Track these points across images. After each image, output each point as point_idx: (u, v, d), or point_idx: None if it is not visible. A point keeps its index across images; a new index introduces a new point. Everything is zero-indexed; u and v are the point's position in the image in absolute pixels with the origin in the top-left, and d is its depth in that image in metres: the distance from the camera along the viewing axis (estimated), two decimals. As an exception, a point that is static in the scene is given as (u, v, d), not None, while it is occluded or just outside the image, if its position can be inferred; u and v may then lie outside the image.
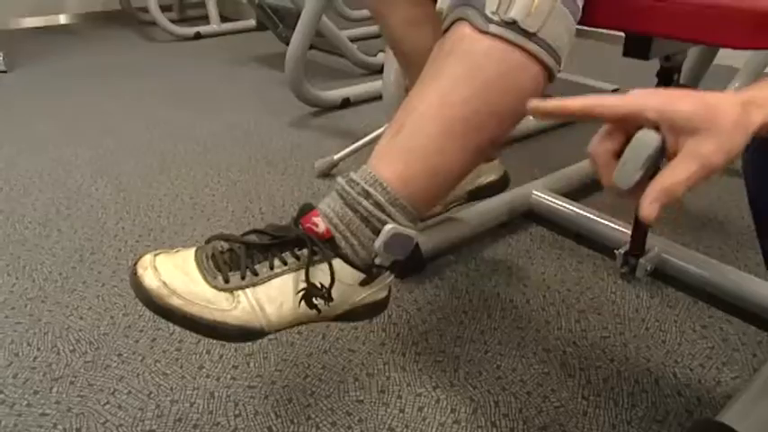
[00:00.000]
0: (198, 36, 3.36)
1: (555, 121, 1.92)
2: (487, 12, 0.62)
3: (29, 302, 1.14)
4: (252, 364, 0.99)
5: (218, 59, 2.95)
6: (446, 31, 0.67)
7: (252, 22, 3.46)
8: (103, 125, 2.07)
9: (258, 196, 1.56)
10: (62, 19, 3.78)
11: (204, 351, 1.01)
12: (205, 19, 3.52)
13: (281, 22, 2.71)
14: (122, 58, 2.99)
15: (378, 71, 2.37)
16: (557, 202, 1.39)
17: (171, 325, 1.04)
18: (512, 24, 0.61)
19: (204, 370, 0.97)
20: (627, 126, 0.48)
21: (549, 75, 0.65)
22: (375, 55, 2.61)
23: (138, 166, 1.74)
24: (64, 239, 1.36)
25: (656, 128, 0.46)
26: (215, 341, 0.98)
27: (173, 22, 3.40)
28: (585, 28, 0.71)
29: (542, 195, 1.41)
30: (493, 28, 0.61)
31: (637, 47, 0.77)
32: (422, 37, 0.90)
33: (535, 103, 0.50)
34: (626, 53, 0.78)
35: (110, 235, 1.38)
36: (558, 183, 1.48)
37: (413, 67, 0.96)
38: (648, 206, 0.44)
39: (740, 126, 0.44)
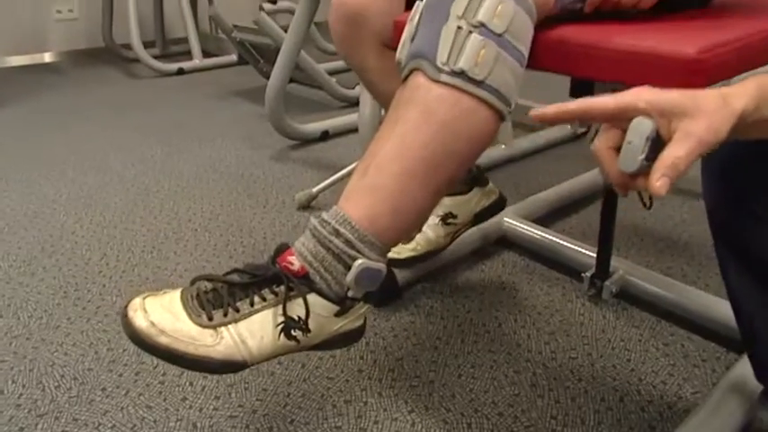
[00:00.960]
0: (181, 72, 3.39)
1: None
2: (438, 63, 0.67)
3: (13, 340, 1.17)
4: (233, 395, 1.02)
5: (201, 94, 2.99)
6: (405, 79, 0.72)
7: (233, 57, 3.50)
8: (88, 161, 2.10)
9: (240, 229, 1.60)
10: (47, 57, 3.81)
11: (187, 383, 1.04)
12: (188, 54, 3.56)
13: (262, 57, 2.78)
14: (106, 95, 3.03)
15: (356, 103, 2.41)
16: (527, 228, 1.44)
17: (154, 358, 1.08)
18: (460, 74, 0.66)
19: (187, 401, 1.00)
20: (622, 122, 0.53)
21: (500, 116, 0.70)
22: (353, 87, 2.67)
23: (122, 201, 1.78)
24: (48, 277, 1.38)
25: (650, 117, 0.51)
26: (199, 373, 1.01)
27: (156, 57, 3.44)
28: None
29: (513, 222, 1.46)
30: (444, 77, 0.67)
31: (581, 87, 0.83)
32: (393, 84, 0.95)
33: (536, 110, 0.55)
34: (572, 93, 0.84)
35: (94, 271, 1.41)
36: (528, 210, 1.54)
37: (387, 106, 1.02)
38: (657, 182, 0.48)
39: (724, 110, 0.49)
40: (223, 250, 1.49)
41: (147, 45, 3.41)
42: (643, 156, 0.49)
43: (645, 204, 0.89)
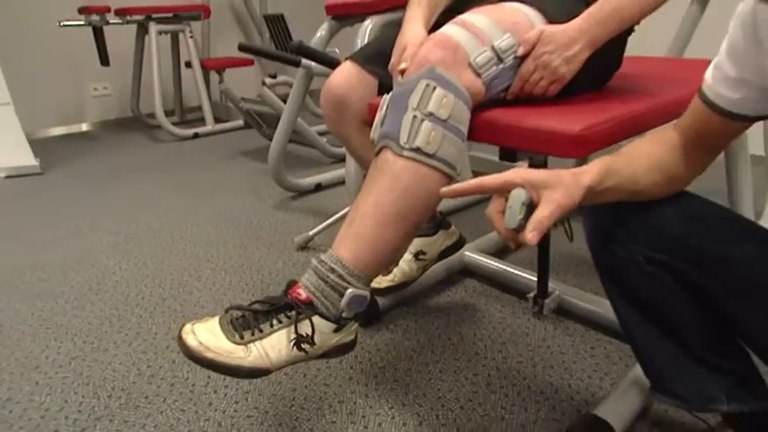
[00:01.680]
0: (196, 136, 3.50)
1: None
2: (401, 142, 0.81)
3: (72, 361, 1.26)
4: (249, 399, 1.11)
5: (213, 155, 3.10)
6: (377, 153, 0.86)
7: (240, 123, 3.62)
8: (123, 214, 2.20)
9: (250, 267, 1.70)
10: (84, 127, 3.93)
11: (212, 391, 1.14)
12: (201, 121, 3.68)
13: (264, 123, 2.89)
14: (135, 158, 3.13)
15: (343, 159, 2.50)
16: (484, 260, 1.56)
17: (185, 372, 1.18)
18: (417, 150, 0.80)
19: (213, 405, 1.10)
20: (505, 193, 0.66)
21: (449, 178, 0.84)
22: (341, 146, 2.79)
23: (152, 246, 1.88)
24: (96, 310, 1.48)
25: (523, 188, 0.64)
26: (221, 383, 1.11)
27: (174, 124, 3.54)
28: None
29: (473, 255, 1.58)
30: (405, 153, 0.80)
31: (507, 154, 0.97)
32: (369, 152, 1.08)
33: (445, 189, 0.69)
34: (501, 158, 0.98)
35: (132, 304, 1.50)
36: (485, 245, 1.66)
37: (366, 166, 1.15)
38: (529, 235, 0.61)
39: (576, 184, 0.63)
40: (237, 285, 1.59)
41: (168, 113, 3.51)
42: (521, 216, 0.62)
43: (569, 237, 1.02)
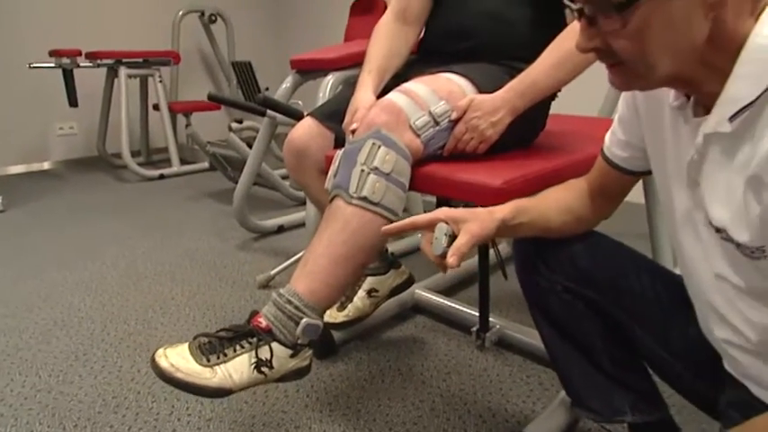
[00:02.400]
0: (162, 177, 3.55)
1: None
2: (350, 192, 0.94)
3: (37, 393, 1.31)
4: (211, 427, 1.19)
5: (179, 196, 3.16)
6: (331, 200, 0.99)
7: (205, 165, 3.69)
8: (87, 253, 2.25)
9: (213, 305, 1.78)
10: (45, 165, 3.94)
11: (176, 419, 1.21)
12: (167, 162, 3.73)
13: (230, 166, 2.98)
14: (99, 197, 3.16)
15: (304, 202, 2.58)
16: (433, 297, 1.69)
17: (149, 402, 1.26)
18: (364, 199, 0.94)
19: (176, 432, 1.17)
20: (433, 228, 0.79)
21: (392, 222, 0.97)
22: (302, 190, 2.89)
23: (117, 284, 1.94)
24: (61, 345, 1.53)
25: (447, 223, 0.77)
26: (186, 410, 1.19)
27: (140, 165, 3.58)
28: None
29: (423, 293, 1.71)
30: (354, 201, 0.94)
31: (443, 201, 1.12)
32: (324, 198, 1.21)
33: (385, 227, 0.82)
34: (437, 205, 1.12)
35: (97, 340, 1.56)
36: (434, 283, 1.79)
37: (322, 210, 1.27)
38: (450, 260, 0.74)
39: (490, 218, 0.77)
40: (200, 321, 1.67)
41: (134, 154, 3.57)
42: (445, 245, 0.76)
43: (505, 277, 1.16)
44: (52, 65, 3.41)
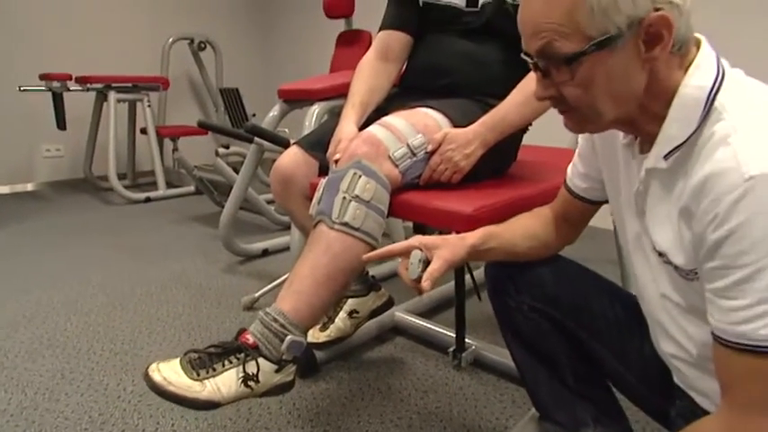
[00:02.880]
0: (148, 200, 3.57)
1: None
2: (333, 218, 1.02)
3: (24, 410, 1.34)
4: (195, 442, 1.23)
5: (164, 219, 3.19)
6: (315, 225, 1.06)
7: (191, 188, 3.71)
8: (73, 274, 2.27)
9: (198, 325, 1.82)
10: (29, 187, 3.95)
11: (161, 435, 1.25)
12: (153, 185, 3.76)
13: (216, 189, 3.03)
14: (85, 219, 3.18)
15: (289, 227, 2.60)
16: (412, 319, 1.75)
17: (135, 419, 1.30)
18: (345, 224, 1.01)
19: (161, 448, 1.21)
20: (408, 253, 0.86)
21: (371, 247, 1.04)
22: (287, 215, 2.94)
23: (103, 305, 1.97)
24: (47, 363, 1.56)
25: (421, 250, 0.84)
26: (171, 427, 1.23)
27: (126, 188, 3.61)
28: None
29: (402, 315, 1.77)
30: (336, 226, 1.01)
31: (419, 227, 1.19)
32: (309, 223, 1.28)
33: (365, 255, 0.90)
34: (414, 231, 1.20)
35: (84, 359, 1.59)
36: (413, 306, 1.85)
37: (306, 234, 1.34)
38: (424, 283, 0.81)
39: (461, 243, 0.84)
40: (186, 341, 1.71)
41: (120, 177, 3.59)
42: (419, 270, 0.83)
43: (479, 298, 1.23)
44: (42, 88, 3.46)
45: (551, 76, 0.69)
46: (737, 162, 0.60)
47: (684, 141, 0.67)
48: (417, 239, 0.86)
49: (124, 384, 1.46)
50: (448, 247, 0.85)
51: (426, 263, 0.84)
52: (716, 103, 0.65)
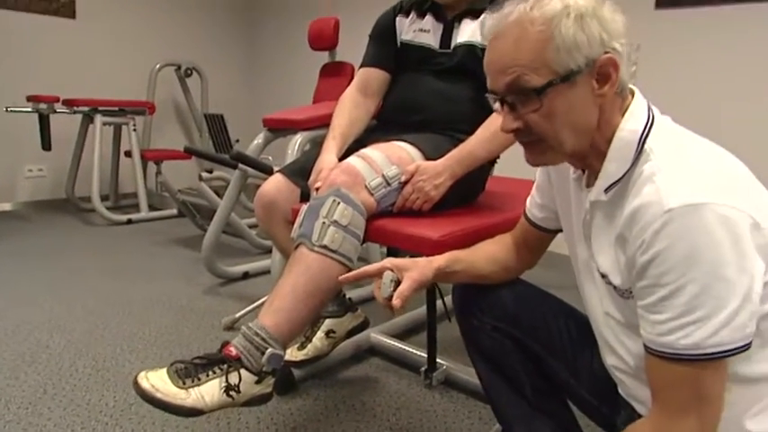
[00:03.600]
0: (129, 222, 3.59)
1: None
2: (313, 240, 1.10)
3: (6, 425, 1.38)
4: (176, 455, 1.28)
5: (146, 241, 3.21)
6: (296, 248, 1.14)
7: (174, 211, 3.74)
8: (54, 293, 2.29)
9: (179, 344, 1.87)
10: (8, 206, 3.93)
11: (142, 448, 1.30)
12: (135, 207, 3.78)
13: (199, 214, 3.08)
14: (66, 239, 3.19)
15: (269, 251, 2.58)
16: (387, 340, 1.82)
17: (117, 431, 1.33)
18: (324, 247, 1.09)
19: (142, 460, 1.26)
20: (381, 275, 0.94)
21: (348, 268, 1.12)
22: (267, 239, 2.98)
23: (86, 323, 2.00)
24: (30, 379, 1.60)
25: (393, 271, 0.93)
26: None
27: (108, 209, 3.60)
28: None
29: (378, 336, 1.84)
30: (316, 248, 1.09)
31: (392, 251, 1.29)
32: (290, 246, 1.36)
33: (341, 277, 0.98)
34: (388, 254, 1.29)
35: (66, 375, 1.63)
36: (388, 328, 1.93)
37: (287, 257, 1.42)
38: (395, 302, 0.89)
39: (428, 265, 0.93)
40: (167, 359, 1.73)
41: (102, 198, 3.59)
42: (391, 289, 0.92)
43: (449, 319, 1.31)
44: (29, 109, 3.50)
45: (517, 109, 0.79)
46: (660, 197, 0.70)
47: (621, 178, 0.77)
48: (389, 261, 0.95)
49: (106, 400, 1.50)
50: (417, 268, 0.94)
51: (397, 283, 0.92)
52: (646, 146, 0.76)
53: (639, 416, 0.87)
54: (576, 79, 0.75)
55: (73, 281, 2.47)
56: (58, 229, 3.45)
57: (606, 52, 0.75)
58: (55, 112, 3.53)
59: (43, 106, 3.48)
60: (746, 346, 0.69)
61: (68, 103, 3.55)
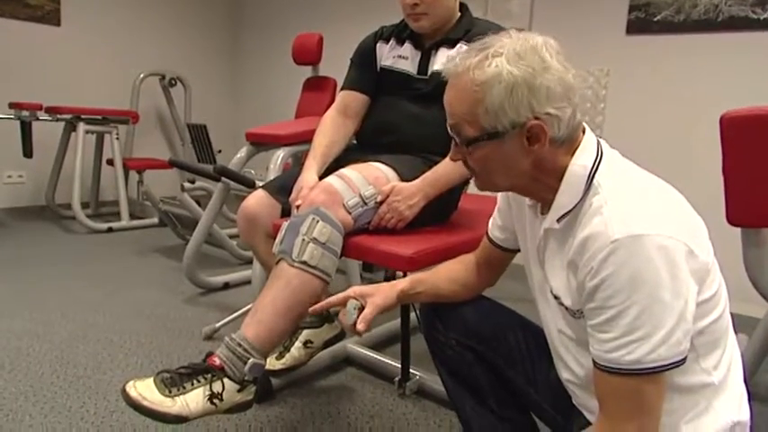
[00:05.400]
0: (110, 230, 3.59)
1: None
2: (293, 256, 1.16)
3: (-11, 430, 1.41)
4: (155, 460, 1.32)
5: (127, 250, 3.22)
6: (277, 262, 1.20)
7: (155, 220, 3.73)
8: (33, 302, 2.30)
9: (160, 352, 1.90)
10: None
11: (122, 454, 1.34)
12: (116, 216, 3.78)
13: (180, 223, 3.09)
14: (45, 247, 3.18)
15: (250, 262, 2.66)
16: (362, 350, 1.88)
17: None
18: (303, 263, 1.16)
19: (123, 465, 1.30)
20: (346, 302, 1.01)
21: (326, 283, 1.19)
22: (248, 250, 3.02)
23: (66, 332, 2.02)
24: (10, 387, 1.62)
25: (356, 299, 0.99)
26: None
27: (88, 217, 3.61)
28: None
29: (354, 346, 1.90)
30: (296, 264, 1.16)
31: (368, 267, 1.35)
32: (271, 260, 1.42)
33: (311, 308, 1.04)
34: (363, 269, 1.36)
35: (47, 382, 1.66)
36: (364, 339, 1.98)
37: (268, 270, 1.47)
38: (359, 326, 0.96)
39: (391, 290, 1.01)
40: (148, 368, 1.79)
41: (82, 206, 3.59)
42: (355, 316, 0.99)
43: (422, 332, 1.38)
44: (11, 116, 3.50)
45: (459, 146, 0.88)
46: (606, 228, 0.78)
47: (572, 209, 0.85)
48: (353, 289, 1.02)
49: (87, 407, 1.54)
50: (380, 294, 1.02)
51: (361, 309, 0.99)
52: (594, 180, 0.84)
53: (590, 424, 0.95)
54: (503, 138, 0.83)
55: (51, 289, 2.48)
56: (37, 236, 3.44)
57: (537, 118, 0.81)
58: (37, 119, 3.54)
59: (26, 113, 3.49)
60: (682, 361, 0.77)
61: (51, 110, 3.56)
